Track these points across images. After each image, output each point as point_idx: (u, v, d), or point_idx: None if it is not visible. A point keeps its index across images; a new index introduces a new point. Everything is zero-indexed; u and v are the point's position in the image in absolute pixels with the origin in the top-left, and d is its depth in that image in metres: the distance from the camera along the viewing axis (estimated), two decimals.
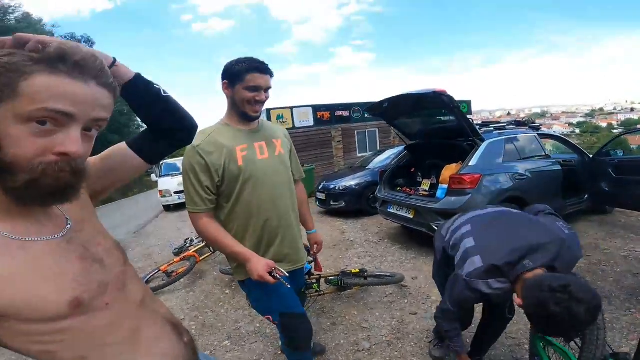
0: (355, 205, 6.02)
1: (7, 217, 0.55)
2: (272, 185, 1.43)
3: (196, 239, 4.32)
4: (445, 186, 3.47)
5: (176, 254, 4.13)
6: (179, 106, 0.84)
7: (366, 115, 9.62)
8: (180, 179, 7.62)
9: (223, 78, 1.36)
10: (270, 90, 1.38)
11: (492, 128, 4.12)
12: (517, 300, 1.22)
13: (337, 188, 6.19)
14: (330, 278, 2.90)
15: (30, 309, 0.52)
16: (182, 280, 3.71)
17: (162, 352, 0.70)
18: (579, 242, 1.41)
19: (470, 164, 3.42)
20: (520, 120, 4.74)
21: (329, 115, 10.16)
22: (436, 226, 3.39)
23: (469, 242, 1.46)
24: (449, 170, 3.58)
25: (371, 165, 6.83)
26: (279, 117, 9.39)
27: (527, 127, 4.42)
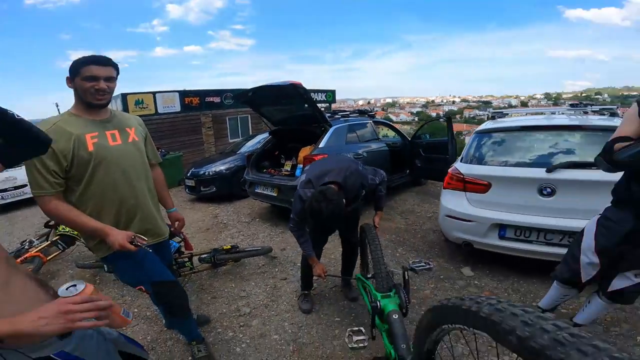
0: (226, 190, 6.17)
1: None
2: (127, 169, 1.59)
3: (37, 239, 3.79)
4: (301, 166, 4.09)
5: (16, 257, 3.55)
6: (31, 126, 0.84)
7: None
8: None
9: (68, 75, 1.46)
10: (114, 80, 1.53)
11: (339, 116, 4.96)
12: None
13: (206, 173, 6.22)
14: (203, 256, 3.11)
15: None
16: None
17: (30, 297, 0.87)
18: (372, 178, 2.22)
19: (319, 146, 4.11)
20: (362, 109, 5.79)
21: (199, 101, 9.83)
22: None
23: (304, 171, 2.19)
24: (303, 152, 4.21)
25: (242, 150, 7.03)
26: (137, 103, 8.54)
27: (366, 115, 5.47)
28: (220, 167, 6.33)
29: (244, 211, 5.43)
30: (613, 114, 2.94)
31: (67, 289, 0.88)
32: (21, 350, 0.83)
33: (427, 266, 1.95)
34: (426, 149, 5.69)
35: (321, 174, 2.02)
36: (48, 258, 3.49)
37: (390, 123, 6.76)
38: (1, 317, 0.75)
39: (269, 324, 2.42)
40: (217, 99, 10.21)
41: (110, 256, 1.57)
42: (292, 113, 4.51)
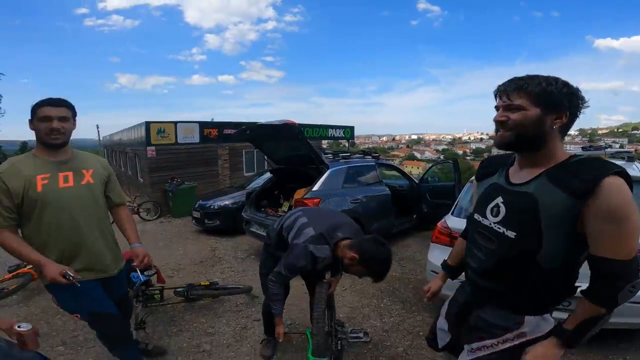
0: (230, 224, 6.20)
1: None
2: (74, 210, 1.66)
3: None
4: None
5: (10, 272, 3.79)
6: None
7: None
8: None
9: (30, 118, 1.59)
10: (69, 120, 1.63)
11: (340, 157, 4.96)
12: (348, 255, 1.80)
13: (212, 207, 6.33)
14: (178, 290, 3.12)
15: None
16: (14, 296, 3.50)
17: None
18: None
19: (313, 188, 4.10)
20: (366, 150, 5.79)
21: (217, 133, 10.15)
22: None
23: (303, 220, 2.05)
24: (297, 194, 4.20)
25: (251, 185, 7.15)
26: (159, 132, 8.99)
27: (370, 157, 5.45)
28: (226, 201, 6.44)
29: (242, 247, 5.41)
30: (630, 159, 2.76)
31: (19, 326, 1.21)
32: None
33: (362, 339, 1.91)
34: (433, 193, 5.53)
35: (331, 228, 1.94)
36: (39, 275, 3.65)
37: (395, 165, 6.66)
38: None
39: None
40: (233, 132, 10.53)
41: (49, 285, 1.66)
42: (290, 152, 4.55)
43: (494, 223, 1.12)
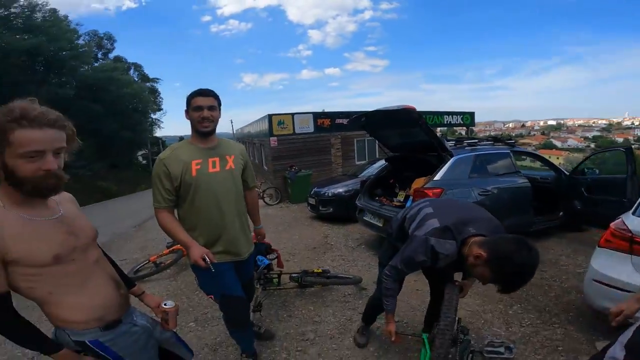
0: (342, 212, 6.24)
1: (22, 205, 0.98)
2: (219, 194, 1.78)
3: None
4: (412, 197, 3.74)
5: (168, 247, 4.48)
6: None
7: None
8: None
9: (185, 108, 1.75)
10: (216, 110, 1.75)
11: (466, 144, 4.35)
12: (475, 252, 1.45)
13: (326, 194, 6.48)
14: (292, 275, 3.21)
15: (30, 258, 0.94)
16: (168, 270, 4.09)
17: (102, 295, 1.12)
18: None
19: (435, 178, 3.68)
20: (498, 136, 4.95)
21: (329, 123, 10.47)
22: None
23: (427, 210, 1.78)
24: (416, 184, 3.85)
25: (363, 174, 7.08)
26: (279, 123, 9.75)
27: (503, 144, 4.64)
28: (339, 189, 6.51)
29: (353, 236, 5.37)
30: None
31: (165, 304, 1.31)
32: (67, 331, 1.07)
33: (503, 355, 1.49)
34: (591, 188, 4.39)
35: (460, 222, 1.61)
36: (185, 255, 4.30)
37: (539, 153, 5.51)
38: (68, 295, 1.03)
39: (324, 357, 2.32)
40: (346, 121, 10.64)
41: (192, 265, 1.79)
42: (408, 139, 4.21)
43: None
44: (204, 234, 1.79)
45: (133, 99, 24.49)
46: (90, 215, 1.25)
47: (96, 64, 22.97)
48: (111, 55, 24.95)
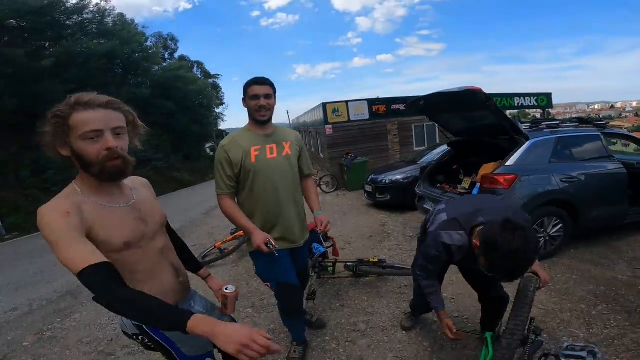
0: (400, 199, 6.06)
1: (98, 193, 1.03)
2: (277, 179, 1.81)
3: None
4: (479, 185, 3.44)
5: (232, 234, 4.74)
6: None
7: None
8: None
9: (243, 96, 1.78)
10: (272, 97, 1.77)
11: (545, 126, 3.87)
12: (474, 241, 1.47)
13: (384, 181, 6.32)
14: (348, 264, 3.18)
15: (104, 244, 0.97)
16: (231, 256, 4.32)
17: (164, 281, 1.15)
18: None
19: (508, 163, 3.33)
20: (585, 117, 4.33)
21: (385, 109, 10.16)
22: None
23: (440, 207, 1.82)
24: (485, 169, 3.52)
25: (422, 160, 6.75)
26: (334, 111, 9.69)
27: (592, 126, 4.04)
28: (397, 176, 6.30)
29: (412, 224, 5.17)
30: None
31: (226, 288, 1.32)
32: (127, 319, 1.10)
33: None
34: None
35: (471, 212, 1.59)
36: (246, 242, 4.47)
37: (635, 136, 4.68)
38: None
39: (374, 349, 2.26)
40: (402, 107, 10.19)
41: (252, 253, 1.87)
42: (474, 122, 3.90)
43: None
44: (261, 220, 1.83)
45: (199, 95, 26.23)
46: (167, 204, 1.31)
47: (164, 64, 24.85)
48: (176, 55, 26.83)
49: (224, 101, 33.62)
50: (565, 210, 3.39)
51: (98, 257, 0.88)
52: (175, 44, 26.90)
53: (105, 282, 0.85)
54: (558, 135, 3.59)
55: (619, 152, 5.01)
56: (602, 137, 3.75)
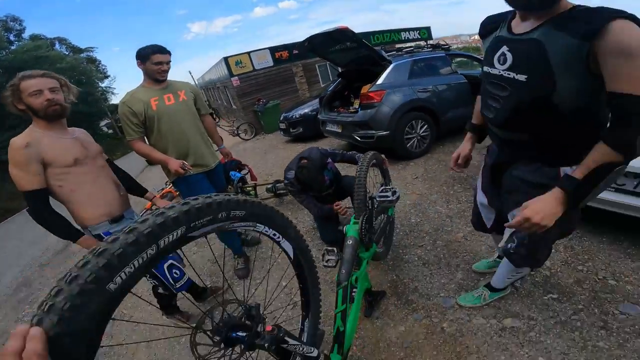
0: (312, 130, 6.76)
1: (51, 129, 1.55)
2: (178, 118, 2.18)
3: (167, 184, 5.11)
4: (363, 103, 4.44)
5: (159, 193, 4.94)
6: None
7: None
8: None
9: (137, 58, 2.07)
10: (170, 63, 2.13)
11: (403, 52, 4.95)
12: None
13: (294, 116, 7.01)
14: (267, 186, 3.68)
15: (59, 160, 1.51)
16: None
17: (107, 192, 1.69)
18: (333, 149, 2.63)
19: (377, 82, 4.34)
20: (435, 44, 5.50)
21: (288, 54, 10.60)
22: (358, 136, 4.44)
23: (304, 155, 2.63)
24: (364, 90, 4.51)
25: (327, 93, 7.53)
26: (237, 63, 9.84)
27: (440, 49, 5.22)
28: (306, 109, 7.01)
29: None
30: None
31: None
32: (88, 229, 1.62)
33: (389, 198, 1.72)
34: None
35: (295, 159, 2.53)
36: (177, 194, 4.76)
37: (471, 54, 6.04)
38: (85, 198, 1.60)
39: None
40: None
41: (175, 181, 2.27)
42: (352, 55, 4.66)
43: (503, 70, 1.09)
44: (174, 153, 2.17)
45: (72, 72, 22.66)
46: None
47: (13, 47, 20.79)
48: (25, 36, 22.25)
49: (108, 74, 29.43)
50: (428, 115, 4.46)
51: (39, 184, 1.44)
52: (20, 24, 22.03)
53: (38, 204, 1.46)
54: (414, 58, 4.67)
55: (464, 67, 6.34)
56: (447, 57, 4.92)
